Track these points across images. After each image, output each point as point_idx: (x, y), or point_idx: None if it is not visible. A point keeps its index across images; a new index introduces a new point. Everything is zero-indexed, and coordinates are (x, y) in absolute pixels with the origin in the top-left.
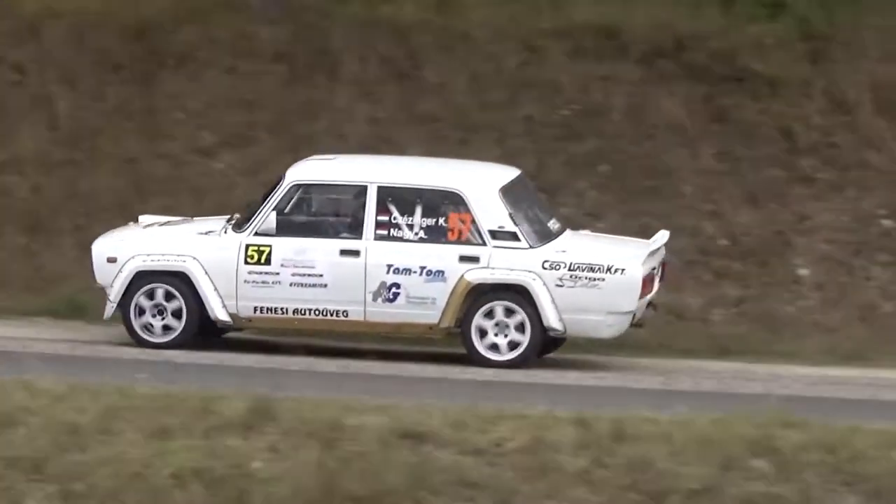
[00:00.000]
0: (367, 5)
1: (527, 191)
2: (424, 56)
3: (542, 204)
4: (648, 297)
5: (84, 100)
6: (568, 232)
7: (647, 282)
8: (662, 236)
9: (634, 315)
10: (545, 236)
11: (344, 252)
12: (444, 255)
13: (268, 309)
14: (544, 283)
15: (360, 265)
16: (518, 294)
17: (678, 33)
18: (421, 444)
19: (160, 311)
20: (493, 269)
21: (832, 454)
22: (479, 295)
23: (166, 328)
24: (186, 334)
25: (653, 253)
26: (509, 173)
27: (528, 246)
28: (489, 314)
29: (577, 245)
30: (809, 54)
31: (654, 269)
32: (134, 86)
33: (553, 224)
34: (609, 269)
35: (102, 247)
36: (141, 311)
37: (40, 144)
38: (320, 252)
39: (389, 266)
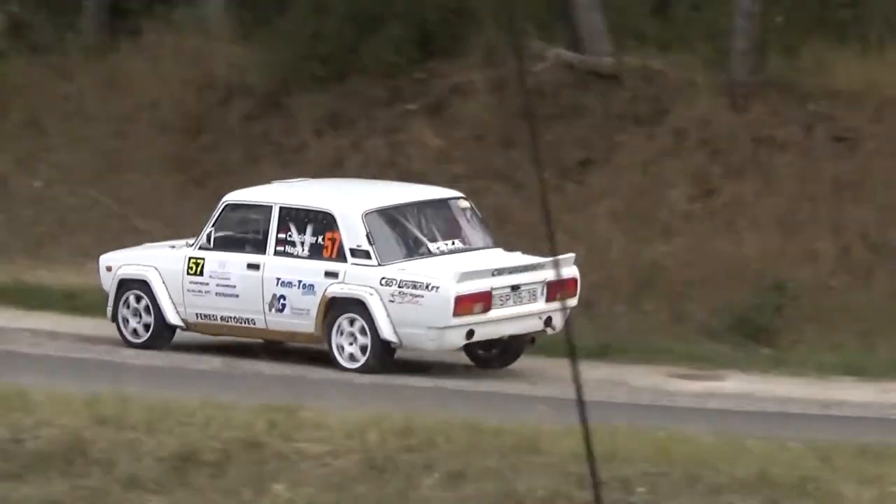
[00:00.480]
0: None
1: (431, 214)
2: None
3: (456, 228)
4: (501, 312)
5: None
6: (489, 252)
7: (477, 299)
8: (567, 258)
9: (472, 331)
10: (408, 255)
11: (250, 266)
12: (315, 271)
13: (204, 315)
14: (380, 299)
15: (260, 278)
16: (362, 308)
17: None
18: None
19: (140, 314)
20: (345, 284)
21: None
22: (338, 307)
23: (147, 327)
24: (154, 337)
25: (500, 271)
26: (402, 196)
27: (376, 264)
28: (345, 325)
29: (419, 264)
30: None
31: (506, 287)
32: None
33: (445, 245)
34: (427, 287)
35: (107, 258)
36: (125, 316)
37: None
38: (235, 265)
39: (279, 279)
